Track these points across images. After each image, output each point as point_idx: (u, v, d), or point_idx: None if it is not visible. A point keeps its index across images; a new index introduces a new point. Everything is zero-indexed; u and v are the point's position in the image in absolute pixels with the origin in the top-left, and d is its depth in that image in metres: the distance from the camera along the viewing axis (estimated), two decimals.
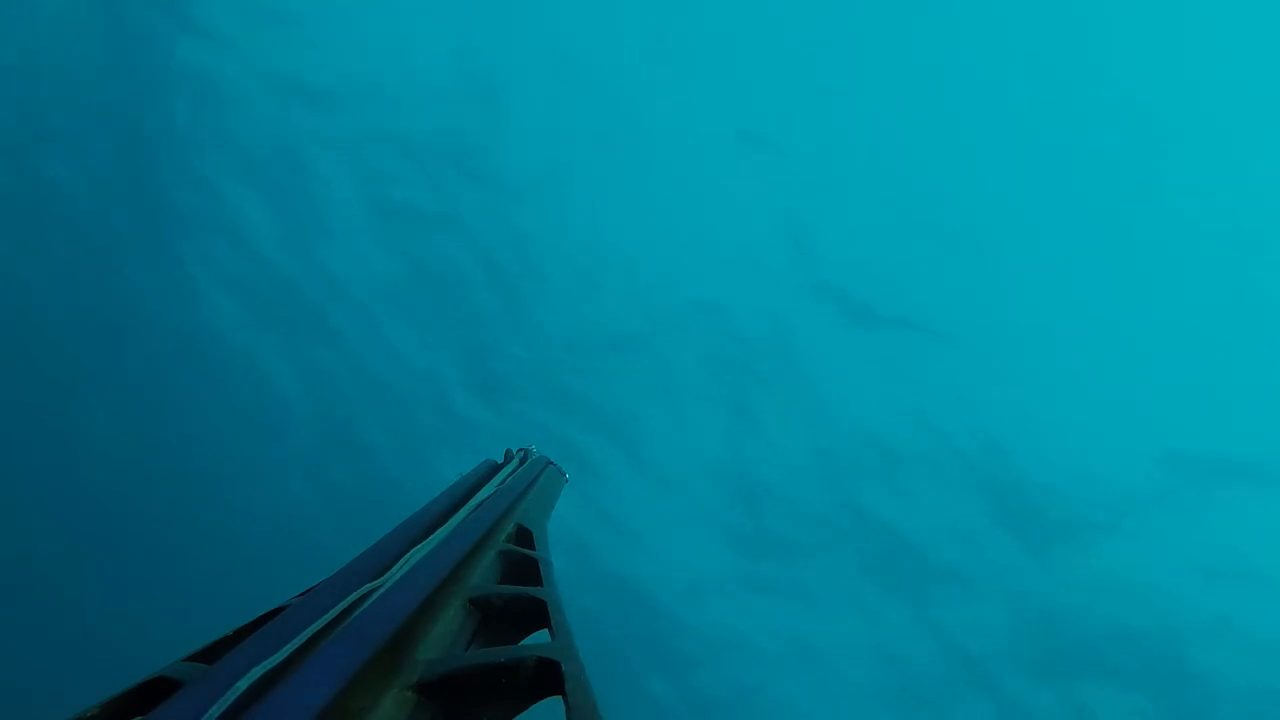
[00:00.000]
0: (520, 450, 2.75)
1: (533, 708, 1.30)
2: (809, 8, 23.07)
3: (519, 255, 25.42)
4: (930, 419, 23.34)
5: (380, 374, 27.94)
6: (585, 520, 25.57)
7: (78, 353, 30.36)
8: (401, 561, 1.57)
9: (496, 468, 2.54)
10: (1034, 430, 22.57)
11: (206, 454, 30.62)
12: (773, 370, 24.70)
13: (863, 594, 24.61)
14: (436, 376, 27.23)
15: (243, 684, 1.07)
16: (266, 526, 30.55)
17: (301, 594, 1.49)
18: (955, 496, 23.48)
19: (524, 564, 1.82)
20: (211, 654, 1.27)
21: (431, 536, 1.74)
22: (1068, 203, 22.79)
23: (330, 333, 27.95)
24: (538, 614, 1.54)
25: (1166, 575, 21.62)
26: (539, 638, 1.49)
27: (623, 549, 26.36)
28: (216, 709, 1.02)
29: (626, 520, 26.02)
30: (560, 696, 1.21)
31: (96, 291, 29.63)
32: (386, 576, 1.47)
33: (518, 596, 1.57)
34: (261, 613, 1.41)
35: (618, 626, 26.34)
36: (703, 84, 24.17)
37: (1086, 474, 22.44)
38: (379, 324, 27.45)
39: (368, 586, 1.42)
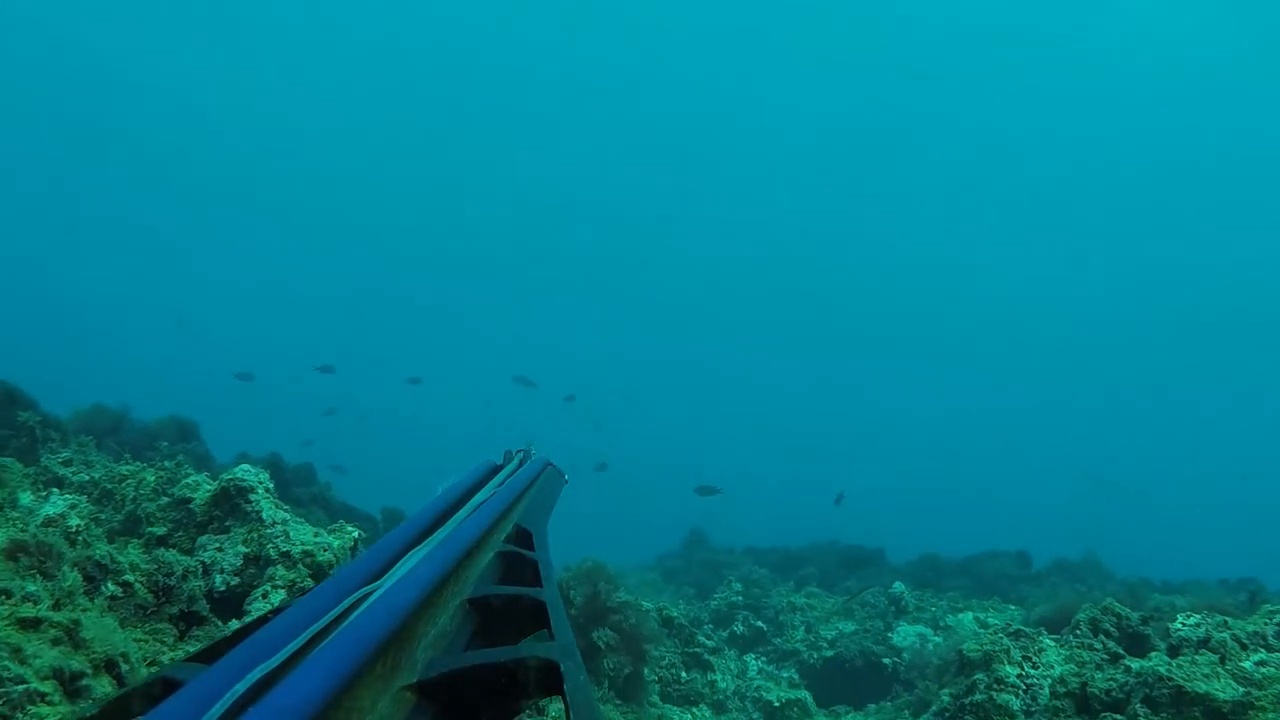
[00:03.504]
0: (520, 451, 2.82)
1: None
2: None
3: None
4: None
5: None
6: None
7: None
8: (400, 563, 1.57)
9: (496, 468, 2.56)
10: None
11: None
12: None
13: None
14: None
15: (241, 685, 1.07)
16: None
17: (300, 594, 1.68)
18: None
19: (523, 565, 1.83)
20: (211, 654, 1.25)
21: (430, 537, 1.74)
22: None
23: None
24: (537, 615, 1.55)
25: None
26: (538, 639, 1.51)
27: None
28: (216, 709, 1.02)
29: None
30: (560, 696, 1.22)
31: None
32: (385, 578, 1.48)
33: (517, 597, 1.58)
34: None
35: None
36: None
37: None
38: None
39: (366, 588, 1.42)
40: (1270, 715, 6.51)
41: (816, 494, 24.58)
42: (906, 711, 12.21)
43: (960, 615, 15.97)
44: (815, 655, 14.93)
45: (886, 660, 14.39)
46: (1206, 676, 6.87)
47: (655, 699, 11.74)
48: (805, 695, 12.86)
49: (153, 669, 4.48)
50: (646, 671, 11.68)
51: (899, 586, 16.76)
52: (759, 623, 16.22)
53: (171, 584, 5.08)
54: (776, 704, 12.46)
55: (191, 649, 4.76)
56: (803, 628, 16.07)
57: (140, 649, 4.56)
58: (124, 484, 8.13)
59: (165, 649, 4.73)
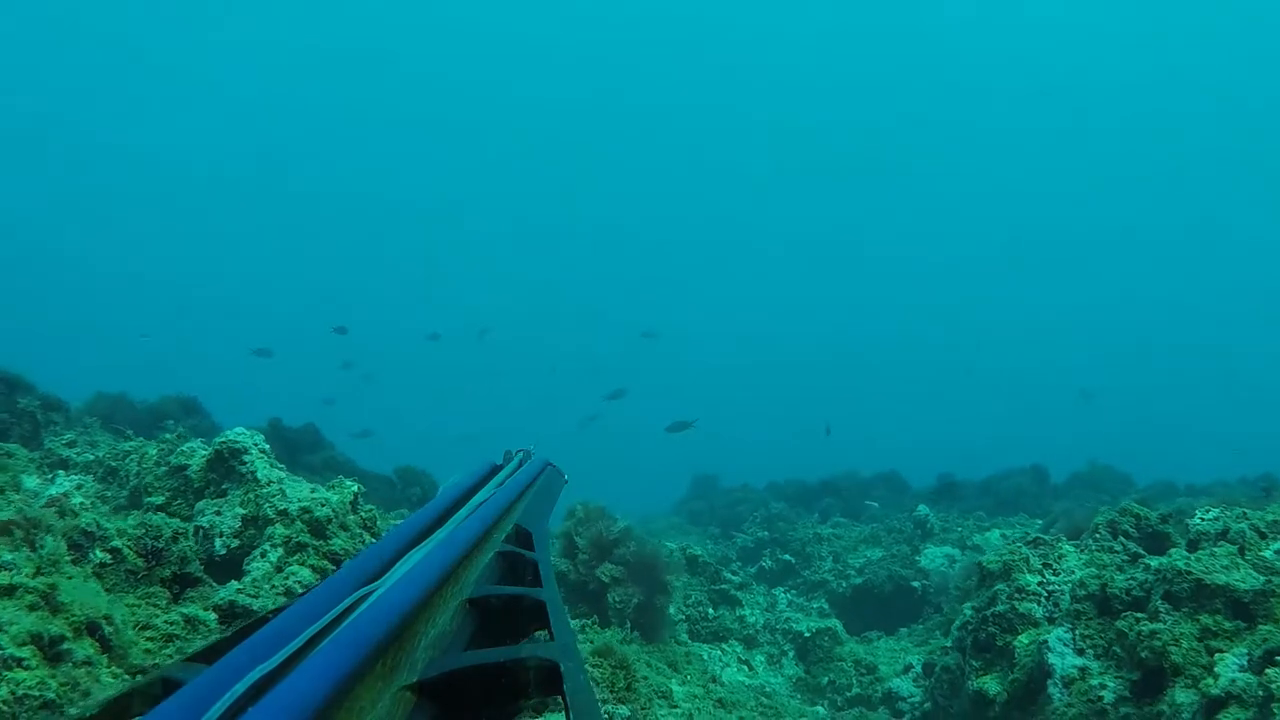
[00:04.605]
0: (520, 451, 2.79)
1: None
2: None
3: None
4: None
5: None
6: None
7: None
8: (400, 563, 1.57)
9: (496, 469, 2.56)
10: None
11: None
12: None
13: None
14: None
15: (241, 685, 1.07)
16: None
17: (300, 595, 1.53)
18: None
19: (523, 565, 1.81)
20: (211, 654, 1.25)
21: (430, 537, 1.74)
22: None
23: None
24: (537, 615, 1.53)
25: None
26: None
27: None
28: (216, 709, 1.01)
29: None
30: (560, 696, 1.20)
31: None
32: (385, 578, 1.47)
33: (517, 597, 1.56)
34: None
35: None
36: None
37: None
38: None
39: (366, 588, 1.41)
40: None
41: (821, 428, 24.57)
42: (938, 632, 12.20)
43: (987, 534, 15.93)
44: (844, 584, 14.92)
45: (915, 584, 14.36)
46: (1226, 568, 6.77)
47: (684, 637, 11.75)
48: (835, 624, 12.85)
49: (146, 632, 4.46)
50: (673, 610, 11.65)
51: (923, 509, 16.73)
52: (786, 556, 16.23)
53: (160, 546, 5.04)
54: (807, 634, 12.46)
55: (187, 610, 4.74)
56: (830, 558, 16.08)
57: (134, 614, 4.55)
58: (127, 460, 8.11)
59: (159, 612, 4.70)
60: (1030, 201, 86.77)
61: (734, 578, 14.01)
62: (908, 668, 10.95)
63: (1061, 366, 77.27)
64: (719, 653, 11.91)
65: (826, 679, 11.78)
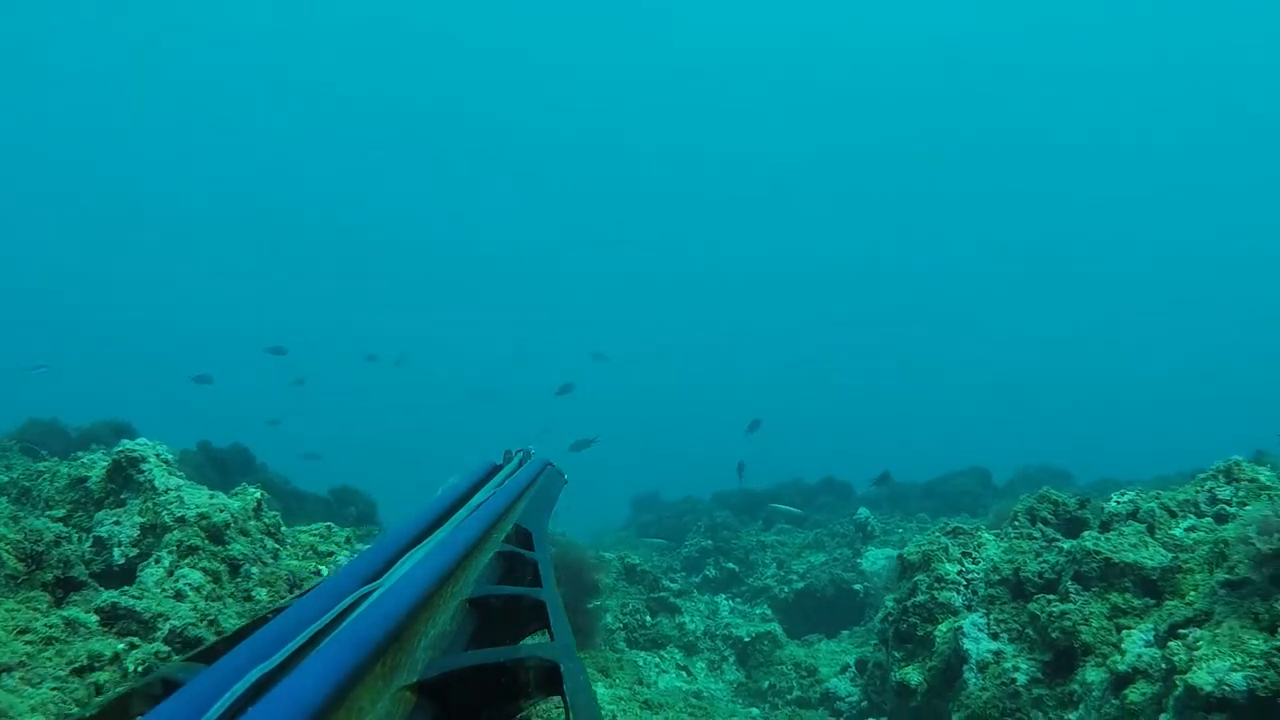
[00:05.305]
0: (520, 451, 2.82)
1: None
2: None
3: None
4: None
5: None
6: None
7: None
8: (400, 563, 1.57)
9: (496, 469, 2.57)
10: None
11: None
12: None
13: None
14: None
15: (241, 685, 1.07)
16: None
17: (300, 594, 1.48)
18: None
19: (523, 565, 1.81)
20: (211, 654, 1.26)
21: (430, 537, 1.74)
22: None
23: None
24: (537, 615, 1.54)
25: None
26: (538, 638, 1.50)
27: None
28: (215, 709, 1.01)
29: None
30: (560, 697, 1.20)
31: None
32: (385, 578, 1.48)
33: (517, 597, 1.57)
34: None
35: None
36: None
37: None
38: None
39: (366, 588, 1.42)
40: (1198, 576, 6.48)
41: (769, 439, 24.55)
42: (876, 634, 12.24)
43: (928, 534, 15.98)
44: (786, 589, 14.92)
45: (857, 586, 14.40)
46: (1134, 546, 6.84)
47: (621, 645, 11.71)
48: (775, 627, 12.87)
49: (25, 636, 4.40)
50: (610, 619, 11.62)
51: (863, 512, 16.78)
52: (730, 564, 16.24)
53: (41, 550, 4.97)
54: (747, 639, 12.45)
55: (67, 614, 4.67)
56: (774, 564, 16.08)
57: (12, 617, 4.48)
58: (40, 480, 8.00)
59: (39, 615, 4.64)
60: (985, 207, 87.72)
61: (673, 585, 14.00)
62: (845, 668, 10.98)
63: (1014, 370, 77.95)
64: (657, 659, 11.87)
65: (767, 683, 11.77)
